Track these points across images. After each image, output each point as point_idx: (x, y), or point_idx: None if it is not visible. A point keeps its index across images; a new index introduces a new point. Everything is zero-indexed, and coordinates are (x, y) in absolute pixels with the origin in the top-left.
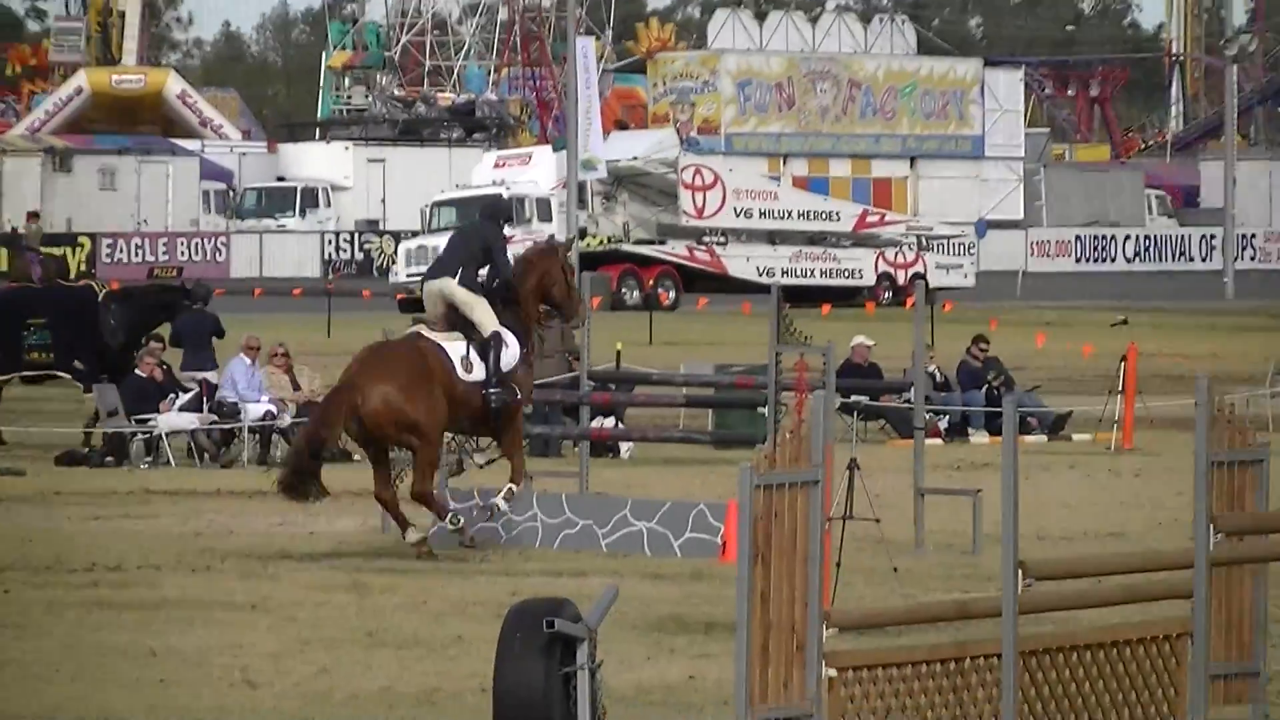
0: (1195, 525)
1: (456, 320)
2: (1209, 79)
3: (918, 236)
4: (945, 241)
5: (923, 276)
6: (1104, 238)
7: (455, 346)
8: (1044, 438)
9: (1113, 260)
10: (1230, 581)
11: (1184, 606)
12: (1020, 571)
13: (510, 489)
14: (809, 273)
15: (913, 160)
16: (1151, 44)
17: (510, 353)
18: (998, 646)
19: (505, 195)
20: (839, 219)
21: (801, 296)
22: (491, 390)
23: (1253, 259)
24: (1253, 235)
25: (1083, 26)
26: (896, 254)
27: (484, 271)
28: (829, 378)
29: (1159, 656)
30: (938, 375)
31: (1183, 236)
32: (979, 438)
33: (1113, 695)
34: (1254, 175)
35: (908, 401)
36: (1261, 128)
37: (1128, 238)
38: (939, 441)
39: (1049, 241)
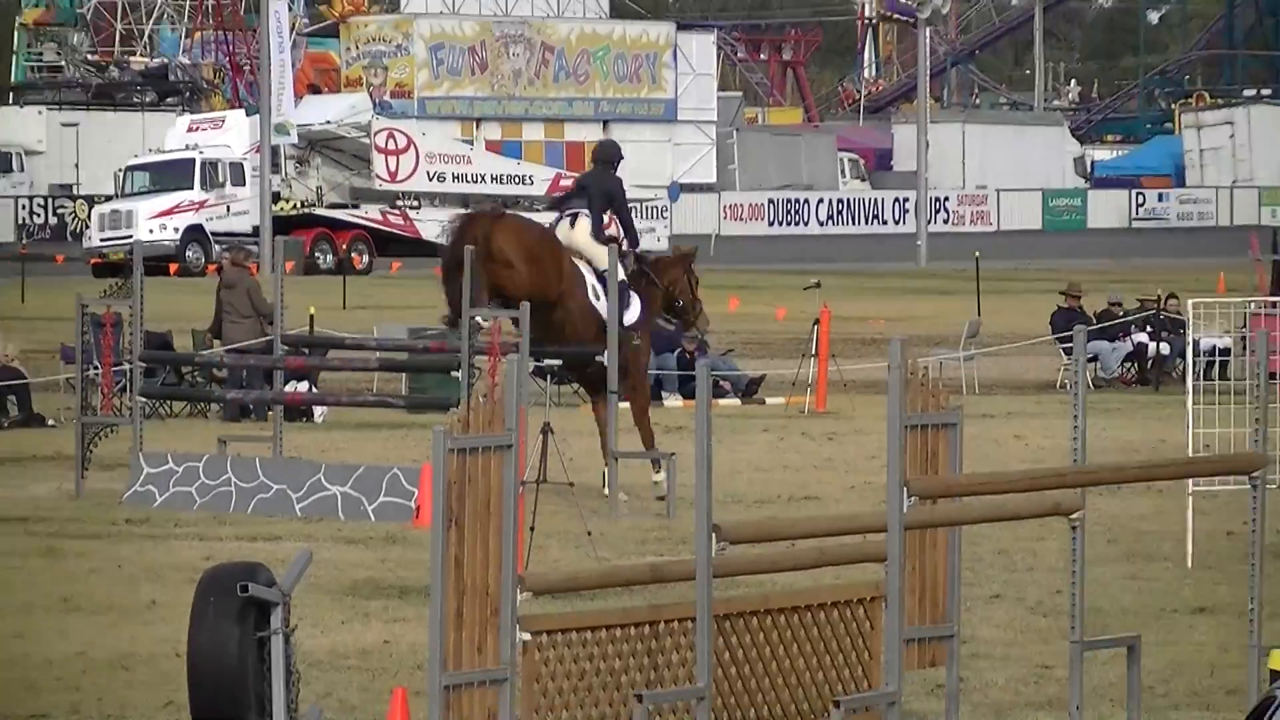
0: (888, 488)
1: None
2: (901, 42)
3: None
4: (638, 205)
5: (616, 239)
6: (797, 201)
7: (589, 275)
8: (737, 401)
9: (806, 223)
10: (924, 545)
11: (878, 570)
12: (714, 535)
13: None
14: None
15: (606, 124)
16: (844, 7)
17: (631, 311)
18: (692, 610)
19: (199, 159)
20: (532, 183)
21: None
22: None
23: (945, 222)
24: (945, 198)
25: None
26: None
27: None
28: (523, 341)
29: (853, 620)
30: None
31: (876, 199)
32: (672, 401)
33: (807, 659)
34: (947, 138)
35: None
36: (954, 90)
37: (821, 201)
38: None
39: (742, 205)
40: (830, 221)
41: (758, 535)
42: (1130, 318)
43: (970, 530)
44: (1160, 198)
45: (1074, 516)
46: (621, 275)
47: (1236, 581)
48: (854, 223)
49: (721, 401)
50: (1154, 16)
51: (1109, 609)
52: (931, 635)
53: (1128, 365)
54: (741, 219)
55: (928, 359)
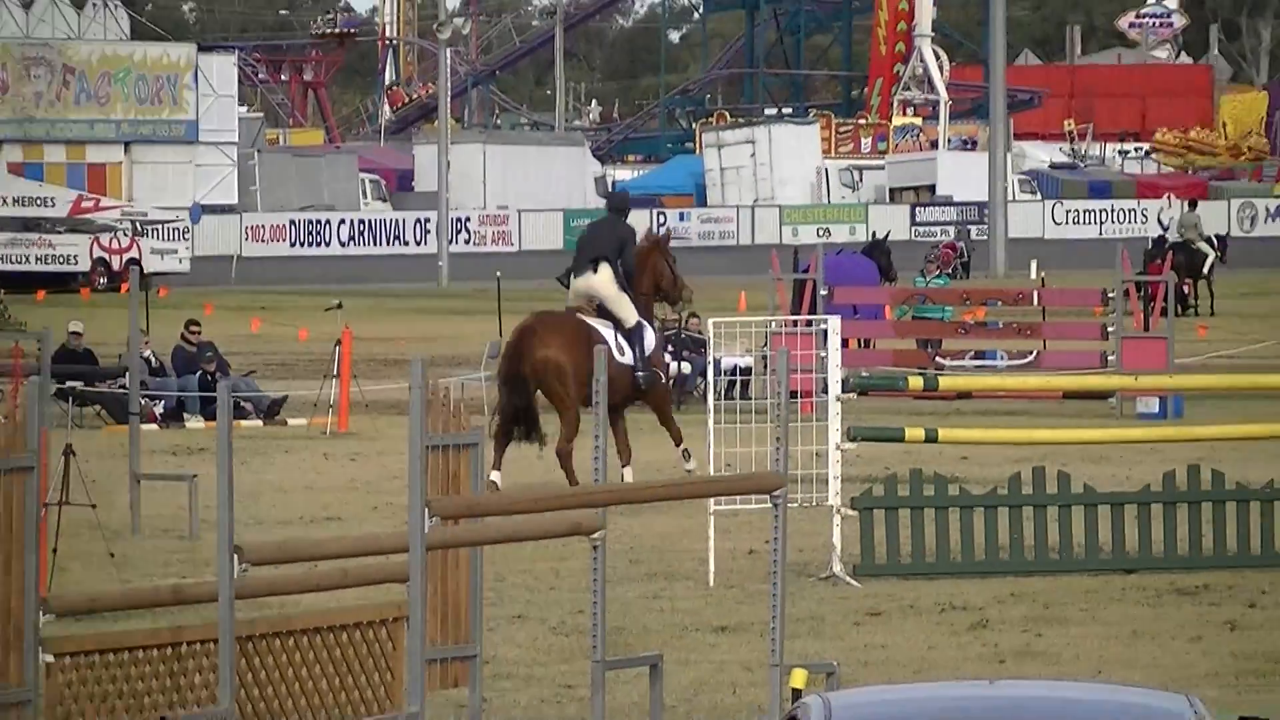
0: (410, 509)
1: (602, 311)
2: (423, 62)
3: (133, 222)
4: (160, 227)
5: (138, 262)
6: (319, 222)
7: (608, 332)
8: (260, 422)
9: (328, 244)
10: (446, 565)
11: (401, 590)
12: (236, 556)
13: (685, 450)
14: (24, 259)
15: (127, 145)
16: (366, 28)
17: (648, 340)
18: (215, 631)
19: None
20: (54, 205)
21: (17, 283)
22: (640, 373)
23: (467, 242)
24: (466, 218)
25: (297, 10)
26: (112, 239)
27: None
28: (44, 364)
29: (376, 640)
30: (153, 360)
31: (397, 220)
32: (195, 422)
33: (330, 680)
34: (468, 158)
35: (123, 387)
36: (475, 110)
37: (342, 222)
38: (155, 427)
39: (264, 226)
40: (352, 242)
41: (280, 556)
42: None
43: (493, 550)
44: (681, 217)
45: (595, 536)
46: (636, 318)
47: (758, 600)
48: (376, 243)
49: (244, 423)
50: (675, 36)
51: (631, 628)
52: (454, 655)
53: None
54: (264, 240)
55: (449, 379)
